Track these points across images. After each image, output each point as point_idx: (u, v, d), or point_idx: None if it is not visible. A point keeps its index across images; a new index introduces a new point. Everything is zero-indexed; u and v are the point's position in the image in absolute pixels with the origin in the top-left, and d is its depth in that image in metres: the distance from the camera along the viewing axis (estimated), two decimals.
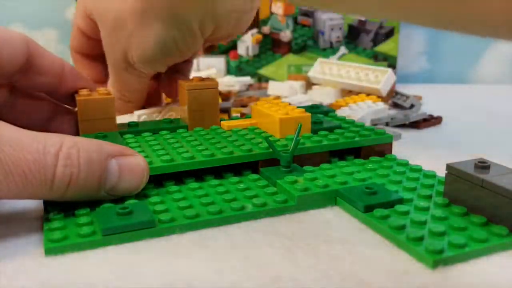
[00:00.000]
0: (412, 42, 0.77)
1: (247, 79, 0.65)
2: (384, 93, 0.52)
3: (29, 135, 0.22)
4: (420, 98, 0.59)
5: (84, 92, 0.32)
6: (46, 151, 0.22)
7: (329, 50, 0.68)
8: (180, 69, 0.39)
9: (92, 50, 0.38)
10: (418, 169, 0.29)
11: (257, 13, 0.67)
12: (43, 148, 0.22)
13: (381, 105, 0.47)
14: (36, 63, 0.30)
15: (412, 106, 0.53)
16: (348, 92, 0.56)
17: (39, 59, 0.30)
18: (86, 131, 0.31)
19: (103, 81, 0.39)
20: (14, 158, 0.21)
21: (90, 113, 0.31)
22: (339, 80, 0.56)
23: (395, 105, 0.55)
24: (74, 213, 0.24)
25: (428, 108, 0.53)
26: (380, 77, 0.53)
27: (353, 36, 0.68)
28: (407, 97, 0.54)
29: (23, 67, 0.29)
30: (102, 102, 0.31)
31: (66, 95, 0.33)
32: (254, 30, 0.68)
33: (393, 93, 0.55)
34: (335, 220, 0.24)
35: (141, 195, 0.25)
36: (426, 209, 0.24)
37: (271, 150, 0.28)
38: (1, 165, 0.20)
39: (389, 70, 0.53)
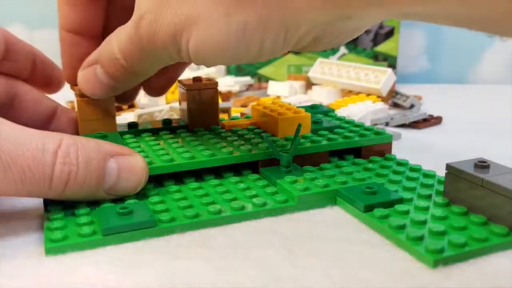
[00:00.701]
0: (412, 42, 0.77)
1: (247, 79, 0.65)
2: (384, 93, 0.52)
3: (28, 133, 0.22)
4: (420, 98, 0.59)
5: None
6: (45, 148, 0.22)
7: (329, 50, 0.68)
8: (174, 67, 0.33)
9: (89, 25, 0.30)
10: (417, 169, 0.29)
11: None
12: (42, 145, 0.22)
13: (381, 105, 0.47)
14: (11, 51, 0.30)
15: (412, 106, 0.53)
16: (348, 92, 0.56)
17: (13, 46, 0.30)
18: (86, 131, 0.31)
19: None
20: (13, 154, 0.21)
21: (90, 113, 0.31)
22: (339, 80, 0.56)
23: (395, 105, 0.55)
24: (74, 212, 0.24)
25: (428, 108, 0.53)
26: (380, 77, 0.53)
27: None
28: (407, 97, 0.54)
29: (2, 56, 0.29)
30: (102, 102, 0.31)
31: (37, 83, 0.33)
32: None
33: (393, 93, 0.55)
34: (335, 220, 0.24)
35: (141, 195, 0.25)
36: (426, 208, 0.24)
37: (271, 150, 0.28)
38: (0, 162, 0.20)
39: (389, 70, 0.53)
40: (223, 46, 0.22)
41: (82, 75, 0.29)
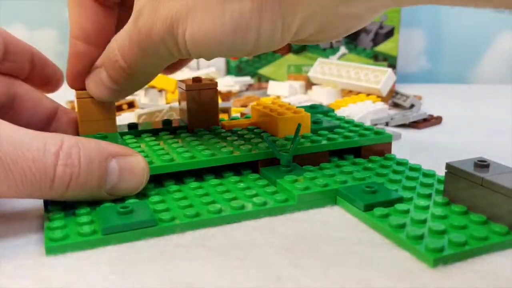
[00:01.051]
0: (412, 42, 0.77)
1: (247, 79, 0.65)
2: (384, 93, 0.52)
3: (29, 134, 0.22)
4: (420, 98, 0.59)
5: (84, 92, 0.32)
6: (46, 149, 0.22)
7: (329, 50, 0.68)
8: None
9: (100, 35, 0.30)
10: (417, 168, 0.29)
11: None
12: (44, 146, 0.22)
13: (381, 105, 0.47)
14: (10, 51, 0.30)
15: (412, 106, 0.53)
16: (348, 92, 0.56)
17: (12, 46, 0.30)
18: (86, 132, 0.31)
19: None
20: (14, 156, 0.21)
21: (90, 114, 0.31)
22: (339, 80, 0.56)
23: (395, 105, 0.55)
24: (75, 212, 0.24)
25: (428, 108, 0.53)
26: (380, 77, 0.53)
27: (353, 36, 0.68)
28: (407, 97, 0.54)
29: (1, 56, 0.29)
30: (102, 103, 0.31)
31: (36, 82, 0.33)
32: None
33: (393, 93, 0.55)
34: (335, 219, 0.24)
35: (142, 194, 0.25)
36: (426, 207, 0.24)
37: (271, 149, 0.28)
38: (1, 163, 0.20)
39: (389, 70, 0.53)
40: (219, 35, 0.22)
41: (89, 78, 0.30)
